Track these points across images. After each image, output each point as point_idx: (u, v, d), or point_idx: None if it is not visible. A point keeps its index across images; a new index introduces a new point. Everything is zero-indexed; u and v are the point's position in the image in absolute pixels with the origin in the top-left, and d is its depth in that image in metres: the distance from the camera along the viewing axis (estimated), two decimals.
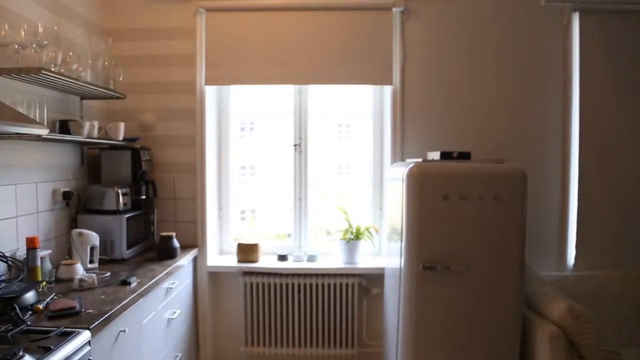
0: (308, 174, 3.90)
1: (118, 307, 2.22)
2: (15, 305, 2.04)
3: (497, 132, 3.63)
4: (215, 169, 3.89)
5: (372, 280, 3.65)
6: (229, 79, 3.66)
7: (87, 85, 2.87)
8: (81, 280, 2.51)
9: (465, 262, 2.83)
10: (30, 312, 2.11)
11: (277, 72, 3.60)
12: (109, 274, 2.79)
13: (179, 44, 3.63)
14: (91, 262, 2.92)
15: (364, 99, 3.89)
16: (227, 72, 3.61)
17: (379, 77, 3.62)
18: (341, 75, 3.61)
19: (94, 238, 2.93)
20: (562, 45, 3.61)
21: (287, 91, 3.87)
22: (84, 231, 2.91)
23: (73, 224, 3.10)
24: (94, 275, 2.60)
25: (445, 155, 3.08)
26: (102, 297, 2.36)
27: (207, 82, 3.62)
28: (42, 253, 2.59)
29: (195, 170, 3.68)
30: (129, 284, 2.58)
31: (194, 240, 3.68)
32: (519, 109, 3.64)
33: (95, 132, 3.06)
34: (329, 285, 3.63)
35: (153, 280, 2.70)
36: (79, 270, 2.69)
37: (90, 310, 2.14)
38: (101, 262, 3.00)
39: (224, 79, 3.65)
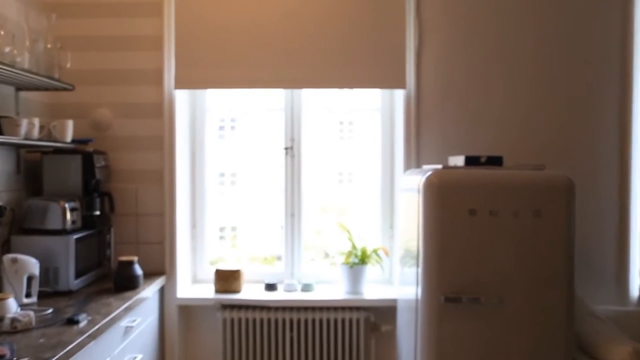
0: (302, 184, 3.90)
1: (62, 353, 2.14)
2: None
3: (535, 132, 3.61)
4: (188, 177, 3.87)
5: (382, 314, 3.62)
6: (204, 81, 3.68)
7: (24, 73, 2.80)
8: (14, 319, 2.41)
9: (498, 293, 2.78)
10: None
11: (264, 72, 3.62)
12: (50, 310, 2.70)
13: (142, 22, 3.60)
14: (28, 295, 2.82)
15: (370, 90, 3.90)
16: (202, 72, 3.62)
17: (389, 72, 3.61)
18: (343, 76, 3.64)
19: (32, 265, 2.84)
20: (622, 21, 3.59)
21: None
22: (20, 256, 2.82)
23: (5, 247, 3.04)
24: (31, 312, 2.50)
25: (471, 161, 3.06)
26: (42, 340, 2.28)
27: (178, 85, 3.61)
28: None
29: (162, 178, 3.64)
30: (77, 322, 2.50)
31: (161, 266, 3.63)
32: (564, 103, 3.62)
33: (36, 132, 3.00)
34: (328, 321, 3.59)
35: (108, 318, 2.63)
36: (12, 306, 2.57)
37: (26, 359, 2.06)
38: (41, 295, 2.91)
39: (198, 81, 3.66)
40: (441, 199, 2.81)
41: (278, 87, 3.74)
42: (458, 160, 3.11)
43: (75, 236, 3.09)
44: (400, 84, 3.60)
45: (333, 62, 3.59)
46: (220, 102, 3.95)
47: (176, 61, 3.58)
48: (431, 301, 2.81)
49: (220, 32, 3.58)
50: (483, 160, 3.04)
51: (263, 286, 3.73)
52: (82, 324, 2.49)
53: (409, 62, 3.59)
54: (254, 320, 3.59)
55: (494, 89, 3.61)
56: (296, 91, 3.86)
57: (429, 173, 2.86)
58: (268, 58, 3.59)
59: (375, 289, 3.73)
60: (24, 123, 2.87)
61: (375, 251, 3.70)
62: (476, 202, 2.78)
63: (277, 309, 3.59)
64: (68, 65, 3.19)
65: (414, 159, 3.60)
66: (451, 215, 2.80)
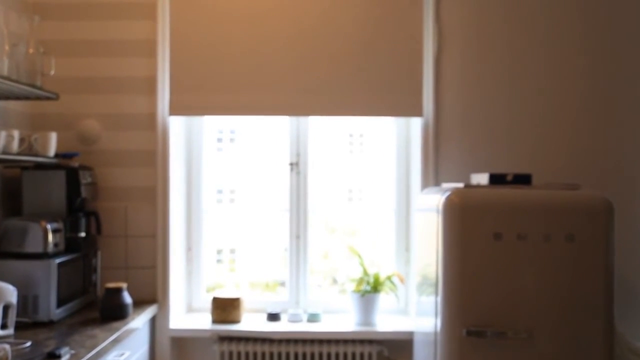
0: (308, 202, 3.90)
1: None
2: None
3: (567, 147, 3.61)
4: (183, 195, 3.88)
5: (397, 348, 3.60)
6: (201, 108, 3.70)
7: (2, 81, 2.75)
8: None
9: (527, 327, 2.74)
10: None
11: (267, 98, 3.65)
12: (29, 343, 2.63)
13: (134, 25, 3.61)
14: (4, 327, 2.77)
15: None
16: (198, 97, 3.66)
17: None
18: (354, 103, 3.66)
19: (10, 293, 2.79)
20: None
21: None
22: None
23: None
24: (7, 346, 2.44)
25: (496, 179, 3.04)
26: None
27: (173, 112, 3.65)
28: None
29: (155, 196, 3.64)
30: (59, 357, 2.45)
31: (153, 294, 3.62)
32: (597, 115, 3.61)
33: (15, 145, 2.98)
34: (337, 355, 3.56)
35: (93, 352, 2.60)
36: None
37: None
38: (19, 326, 2.86)
39: (194, 107, 3.69)
40: (463, 221, 2.78)
41: (282, 114, 3.76)
42: (482, 179, 3.09)
43: (58, 260, 3.07)
44: (417, 109, 3.61)
45: (344, 88, 3.63)
46: None
47: (171, 74, 3.60)
48: (452, 334, 2.77)
49: (220, 50, 3.62)
50: (509, 178, 3.02)
51: (265, 316, 3.71)
52: (64, 359, 2.44)
53: (426, 77, 3.61)
54: (255, 354, 3.56)
55: (520, 101, 3.62)
56: None
57: (449, 192, 2.84)
58: (272, 82, 3.64)
59: (389, 320, 3.70)
60: (3, 135, 2.85)
61: (389, 278, 3.67)
62: (502, 224, 2.75)
63: (280, 341, 3.56)
64: (52, 72, 3.16)
65: (432, 176, 3.60)
66: (474, 238, 2.77)
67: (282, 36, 3.61)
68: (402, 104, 3.63)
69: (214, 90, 3.61)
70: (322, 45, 3.60)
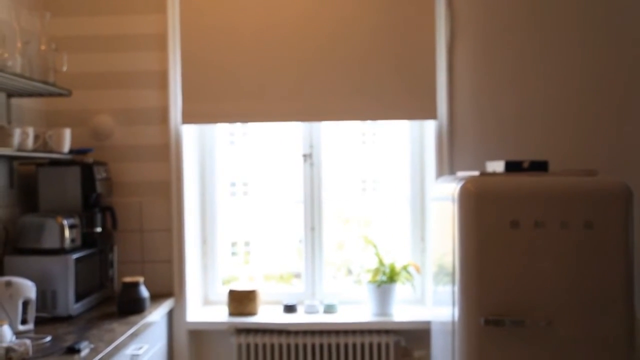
0: (322, 194, 3.88)
1: None
2: None
3: (585, 133, 3.58)
4: (197, 189, 3.88)
5: (414, 338, 3.60)
6: (213, 116, 3.68)
7: (15, 78, 2.78)
8: (9, 349, 2.38)
9: (545, 315, 2.72)
10: None
11: (279, 104, 3.64)
12: (49, 338, 2.68)
13: (144, 19, 3.62)
14: (24, 322, 2.80)
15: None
16: (210, 105, 3.64)
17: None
18: (367, 106, 3.64)
19: (28, 289, 2.82)
20: None
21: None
22: (14, 279, 2.80)
23: None
24: (28, 341, 2.47)
25: (512, 166, 3.01)
26: None
27: (186, 120, 3.64)
28: None
29: (169, 191, 3.65)
30: (78, 351, 2.47)
31: (169, 287, 3.63)
32: (617, 100, 3.57)
33: (30, 142, 3.00)
34: (354, 345, 3.56)
35: (112, 346, 2.61)
36: (6, 334, 2.54)
37: None
38: (39, 321, 2.89)
39: (206, 115, 3.67)
40: (479, 209, 2.76)
41: (295, 120, 3.72)
42: (497, 166, 3.05)
43: (75, 256, 3.08)
44: (431, 110, 3.57)
45: (356, 92, 3.61)
46: None
47: (182, 69, 3.57)
48: (469, 324, 2.76)
49: (230, 54, 3.60)
50: (526, 165, 2.98)
51: (281, 308, 3.72)
52: (83, 353, 2.47)
53: (439, 72, 3.58)
54: (272, 346, 3.56)
55: (534, 88, 3.58)
56: None
57: (464, 180, 2.82)
58: (283, 88, 3.62)
59: (405, 310, 3.69)
60: (17, 133, 2.86)
61: (405, 267, 3.65)
62: (519, 212, 2.73)
63: (297, 333, 3.56)
64: (64, 69, 3.16)
65: (447, 165, 3.57)
66: (491, 227, 2.75)
67: (294, 41, 3.59)
68: (416, 105, 3.59)
69: (225, 97, 3.60)
70: (335, 50, 3.58)
